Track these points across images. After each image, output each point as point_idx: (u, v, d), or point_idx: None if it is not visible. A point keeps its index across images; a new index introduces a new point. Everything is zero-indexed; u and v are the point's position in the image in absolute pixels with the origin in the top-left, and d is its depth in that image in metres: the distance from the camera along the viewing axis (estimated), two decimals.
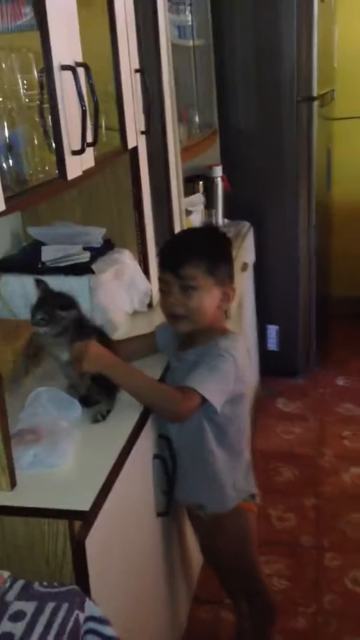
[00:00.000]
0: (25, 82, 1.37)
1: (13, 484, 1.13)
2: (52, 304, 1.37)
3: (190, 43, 2.64)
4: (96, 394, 1.37)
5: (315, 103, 2.86)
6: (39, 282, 1.43)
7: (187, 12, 2.59)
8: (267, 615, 1.71)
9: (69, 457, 1.20)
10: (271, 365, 3.17)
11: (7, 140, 1.31)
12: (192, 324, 1.42)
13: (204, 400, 1.34)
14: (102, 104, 1.51)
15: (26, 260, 1.73)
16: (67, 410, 1.32)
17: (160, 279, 1.46)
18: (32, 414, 1.28)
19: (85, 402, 1.37)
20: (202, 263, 1.39)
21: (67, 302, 1.38)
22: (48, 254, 1.70)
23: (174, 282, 1.40)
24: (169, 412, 1.37)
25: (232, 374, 1.39)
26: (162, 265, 1.46)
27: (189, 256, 1.39)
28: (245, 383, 1.47)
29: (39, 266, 1.69)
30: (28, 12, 1.41)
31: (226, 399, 1.39)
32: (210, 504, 1.54)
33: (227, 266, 1.46)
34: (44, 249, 1.73)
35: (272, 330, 3.18)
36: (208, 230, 1.62)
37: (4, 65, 1.32)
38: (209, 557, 1.78)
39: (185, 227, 2.22)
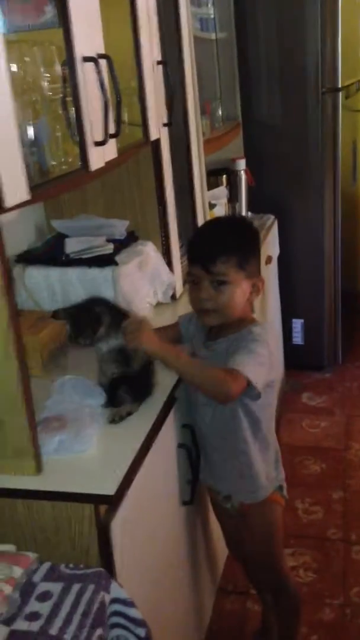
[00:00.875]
0: (48, 75, 1.38)
1: (39, 469, 1.15)
2: (84, 328, 1.35)
3: (213, 36, 2.64)
4: (124, 393, 1.35)
5: (341, 94, 2.84)
6: (56, 314, 1.40)
7: (210, 5, 2.60)
8: (293, 608, 1.71)
9: (93, 444, 1.21)
10: (296, 359, 3.15)
11: (31, 132, 1.32)
12: (222, 317, 1.42)
13: (248, 383, 1.33)
14: (125, 98, 1.52)
15: (50, 252, 1.75)
16: (91, 397, 1.33)
17: (190, 273, 1.45)
18: (58, 401, 1.30)
19: (112, 400, 1.36)
20: (233, 258, 1.38)
21: (95, 316, 1.35)
22: (72, 246, 1.72)
23: (205, 276, 1.39)
24: (219, 393, 1.34)
25: (267, 358, 1.39)
26: (192, 260, 1.44)
27: (220, 251, 1.38)
28: (276, 370, 1.47)
29: (63, 258, 1.70)
30: (50, 9, 1.43)
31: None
32: (240, 494, 1.53)
33: (256, 258, 1.45)
34: (67, 241, 1.75)
35: (297, 324, 3.16)
36: (236, 222, 1.59)
37: (27, 58, 1.34)
38: (235, 550, 1.78)
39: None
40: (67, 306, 1.41)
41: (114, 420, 1.31)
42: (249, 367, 1.33)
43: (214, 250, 1.39)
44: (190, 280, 1.45)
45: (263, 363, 1.37)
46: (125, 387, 1.35)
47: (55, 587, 0.98)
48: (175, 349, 1.37)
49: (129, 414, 1.33)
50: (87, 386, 1.35)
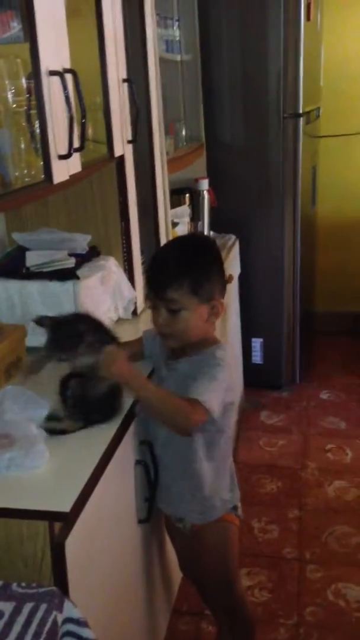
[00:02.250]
0: (12, 87, 1.38)
1: None
2: (64, 343, 1.32)
3: (178, 58, 2.67)
4: (74, 410, 1.32)
5: (301, 120, 2.91)
6: (41, 320, 1.36)
7: (175, 27, 2.64)
8: (247, 630, 1.69)
9: (46, 460, 1.19)
10: (255, 378, 3.18)
11: None
12: (181, 341, 1.42)
13: (207, 412, 1.33)
14: (90, 114, 1.53)
15: (10, 265, 1.73)
16: (33, 409, 1.30)
17: (148, 297, 1.46)
18: (0, 412, 1.26)
19: (62, 399, 1.33)
20: (184, 285, 1.36)
21: (78, 333, 1.32)
22: (32, 259, 1.70)
23: (159, 303, 1.39)
24: (180, 425, 1.35)
25: (226, 383, 1.39)
26: (148, 286, 1.45)
27: (171, 279, 1.36)
28: (234, 392, 1.48)
29: (23, 271, 1.68)
30: (15, 25, 1.43)
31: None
32: (192, 516, 1.52)
33: (213, 281, 1.41)
34: (28, 254, 1.73)
35: (257, 343, 3.19)
36: (193, 243, 1.54)
37: None
38: (188, 572, 1.76)
39: (170, 238, 2.24)
40: (53, 316, 1.38)
41: (52, 431, 1.27)
42: (209, 396, 1.33)
43: (165, 278, 1.38)
44: (149, 304, 1.44)
45: (222, 389, 1.37)
46: (75, 384, 1.32)
47: (7, 607, 0.95)
48: (144, 377, 1.36)
49: (63, 432, 1.29)
50: (29, 397, 1.32)
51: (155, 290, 1.39)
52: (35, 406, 1.30)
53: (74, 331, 1.32)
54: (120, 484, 1.39)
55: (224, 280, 1.48)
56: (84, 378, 1.33)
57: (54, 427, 1.29)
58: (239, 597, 1.65)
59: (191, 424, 1.33)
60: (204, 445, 1.45)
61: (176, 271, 1.38)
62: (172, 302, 1.37)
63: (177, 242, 1.64)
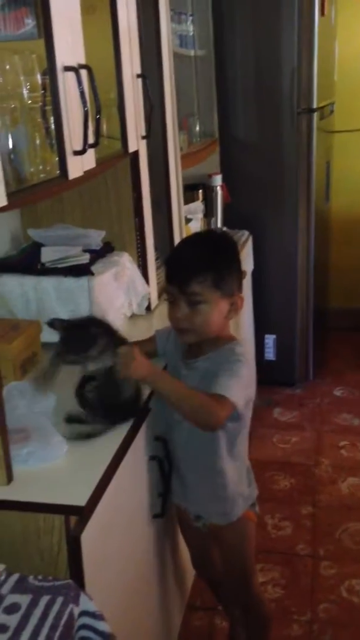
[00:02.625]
0: (28, 83, 1.38)
1: (10, 478, 1.13)
2: (75, 346, 1.30)
3: (192, 53, 2.67)
4: (95, 413, 1.31)
5: (315, 115, 2.89)
6: (54, 323, 1.35)
7: (189, 23, 2.63)
8: (263, 626, 1.70)
9: (65, 451, 1.20)
10: (268, 375, 3.16)
11: (9, 139, 1.32)
12: (199, 336, 1.41)
13: (233, 407, 1.33)
14: (104, 109, 1.53)
15: (25, 261, 1.74)
16: (40, 402, 1.30)
17: (167, 291, 1.45)
18: (11, 409, 1.25)
19: (80, 402, 1.33)
20: (208, 277, 1.36)
21: (90, 337, 1.30)
22: (47, 255, 1.71)
23: (180, 296, 1.38)
24: (205, 421, 1.33)
25: (247, 379, 1.39)
26: (168, 279, 1.43)
27: (195, 271, 1.36)
28: (253, 387, 1.47)
29: (38, 267, 1.69)
30: (30, 22, 1.43)
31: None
32: (214, 517, 1.51)
33: (233, 276, 1.42)
34: (43, 250, 1.74)
35: (270, 339, 3.18)
36: (214, 239, 1.54)
37: (7, 66, 1.34)
38: (202, 569, 1.76)
39: (184, 234, 2.24)
40: (66, 319, 1.37)
41: (75, 437, 1.26)
42: (233, 392, 1.32)
43: (189, 270, 1.37)
44: (168, 297, 1.44)
45: (244, 385, 1.37)
46: (92, 387, 1.31)
47: (24, 599, 0.96)
48: (168, 375, 1.35)
49: (88, 436, 1.27)
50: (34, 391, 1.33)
51: (178, 283, 1.38)
52: (41, 399, 1.31)
53: (86, 334, 1.31)
54: (135, 479, 1.39)
55: (241, 276, 1.48)
56: (100, 381, 1.32)
57: (79, 432, 1.27)
58: (256, 593, 1.66)
59: (216, 419, 1.32)
60: (226, 444, 1.44)
61: (200, 264, 1.37)
62: (194, 295, 1.36)
63: (198, 238, 1.65)
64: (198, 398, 1.31)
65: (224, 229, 2.84)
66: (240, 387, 1.35)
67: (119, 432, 1.29)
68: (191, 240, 1.63)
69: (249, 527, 1.55)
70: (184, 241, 1.63)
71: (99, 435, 1.27)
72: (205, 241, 1.52)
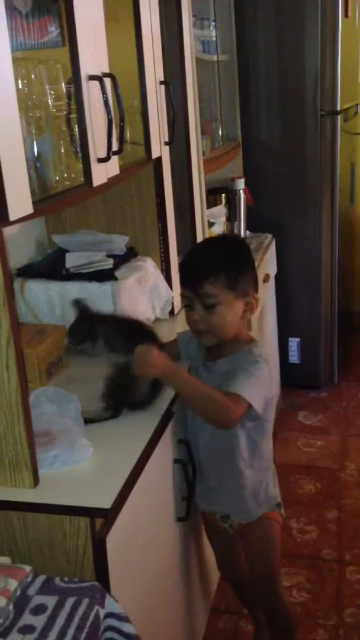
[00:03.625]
0: (52, 92, 1.41)
1: (36, 481, 1.15)
2: (78, 335, 1.40)
3: (215, 58, 2.68)
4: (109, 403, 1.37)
5: (339, 117, 2.88)
6: (77, 304, 1.43)
7: (212, 28, 2.64)
8: (288, 627, 1.69)
9: (91, 454, 1.22)
10: (292, 378, 3.16)
11: (35, 147, 1.35)
12: (216, 338, 1.43)
13: (248, 406, 1.34)
14: (128, 116, 1.55)
15: (50, 266, 1.76)
16: (66, 405, 1.32)
17: (182, 295, 1.47)
18: (39, 415, 1.28)
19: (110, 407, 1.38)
20: (221, 279, 1.38)
21: (90, 333, 1.39)
22: (72, 261, 1.73)
23: (195, 299, 1.40)
24: (221, 419, 1.35)
25: (267, 379, 1.40)
26: (183, 282, 1.46)
27: (207, 274, 1.38)
28: (273, 387, 1.48)
29: (63, 272, 1.72)
30: (53, 30, 1.46)
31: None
32: (238, 513, 1.52)
33: (247, 277, 1.44)
34: (68, 255, 1.76)
35: (294, 342, 3.17)
36: (226, 242, 1.58)
37: (33, 76, 1.36)
38: (227, 572, 1.77)
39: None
40: (90, 308, 1.44)
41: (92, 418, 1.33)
42: (249, 391, 1.33)
43: (201, 272, 1.39)
44: (184, 301, 1.46)
45: (262, 385, 1.38)
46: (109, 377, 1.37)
47: (50, 601, 0.98)
48: (184, 373, 1.37)
49: (91, 420, 1.33)
50: (63, 395, 1.35)
51: (191, 286, 1.41)
52: (67, 402, 1.33)
53: (90, 329, 1.37)
54: (159, 482, 1.40)
55: (257, 277, 1.49)
56: (116, 373, 1.36)
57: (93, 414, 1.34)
58: (280, 597, 1.65)
59: (231, 417, 1.33)
60: (246, 443, 1.45)
61: (212, 266, 1.40)
62: (208, 297, 1.38)
63: (209, 241, 1.68)
64: (213, 396, 1.32)
65: (247, 232, 2.84)
66: (257, 387, 1.36)
67: (144, 436, 1.30)
68: (202, 244, 1.67)
69: (275, 528, 1.56)
70: (195, 247, 1.66)
71: (100, 422, 1.34)
72: (216, 244, 1.55)
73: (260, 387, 1.37)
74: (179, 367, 1.37)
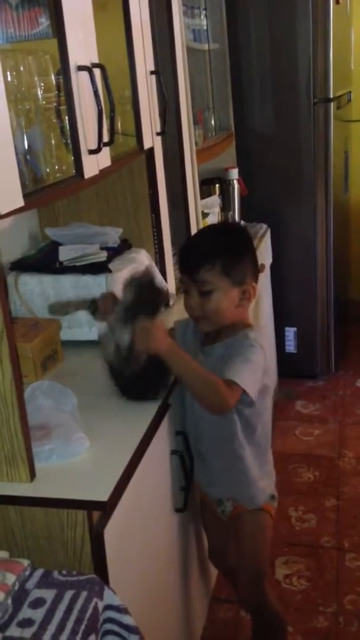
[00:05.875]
0: (42, 84, 1.39)
1: (32, 475, 1.15)
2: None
3: (206, 47, 2.66)
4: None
5: (332, 105, 2.87)
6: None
7: (202, 16, 2.62)
8: (273, 628, 1.64)
9: (87, 447, 1.21)
10: (289, 368, 3.16)
11: (25, 140, 1.33)
12: (213, 324, 1.43)
13: (243, 392, 1.35)
14: (119, 107, 1.54)
15: (44, 260, 1.75)
16: (64, 400, 1.32)
17: (181, 281, 1.48)
18: (35, 408, 1.28)
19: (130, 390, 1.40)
20: (216, 266, 1.38)
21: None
22: (65, 254, 1.72)
23: (192, 285, 1.41)
24: (216, 403, 1.35)
25: (262, 364, 1.40)
26: (181, 268, 1.48)
27: (203, 260, 1.39)
28: (270, 375, 1.48)
29: (56, 265, 1.71)
30: (44, 21, 1.44)
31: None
32: (243, 500, 1.52)
33: (245, 265, 1.44)
34: (61, 248, 1.75)
35: (290, 332, 3.17)
36: (225, 229, 1.59)
37: (21, 68, 1.35)
38: (218, 560, 1.76)
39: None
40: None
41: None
42: (244, 377, 1.34)
43: (198, 258, 1.40)
44: (182, 287, 1.46)
45: (257, 370, 1.38)
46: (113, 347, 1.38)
47: (48, 594, 0.98)
48: (184, 353, 1.36)
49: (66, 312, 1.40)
50: (58, 389, 1.34)
51: (188, 271, 1.41)
52: (63, 395, 1.33)
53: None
54: (157, 474, 1.40)
55: (257, 266, 1.49)
56: (121, 350, 1.37)
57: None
58: (267, 593, 1.61)
59: (225, 402, 1.33)
60: (243, 430, 1.45)
61: (208, 252, 1.40)
62: (204, 284, 1.39)
63: (209, 228, 1.72)
64: (210, 379, 1.33)
65: (242, 222, 2.83)
66: (252, 372, 1.36)
67: (141, 427, 1.30)
68: (203, 231, 1.67)
69: (267, 520, 1.54)
70: (196, 233, 1.67)
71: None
72: (216, 231, 1.56)
73: (255, 371, 1.37)
74: (177, 346, 1.37)
